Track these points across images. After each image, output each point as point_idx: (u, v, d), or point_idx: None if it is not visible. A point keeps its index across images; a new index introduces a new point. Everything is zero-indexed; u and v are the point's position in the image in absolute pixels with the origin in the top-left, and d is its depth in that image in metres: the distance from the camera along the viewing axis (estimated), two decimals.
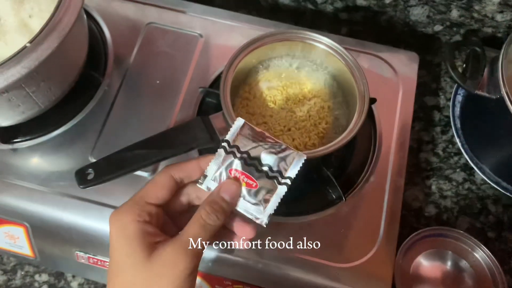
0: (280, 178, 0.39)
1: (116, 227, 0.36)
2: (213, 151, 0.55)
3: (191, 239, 0.35)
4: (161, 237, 0.36)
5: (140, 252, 0.34)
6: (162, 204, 0.38)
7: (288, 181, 0.39)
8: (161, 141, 0.45)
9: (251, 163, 0.38)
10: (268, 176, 0.39)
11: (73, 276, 0.62)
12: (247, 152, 0.39)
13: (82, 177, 0.43)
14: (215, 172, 0.39)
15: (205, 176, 0.39)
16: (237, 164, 0.39)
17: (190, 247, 0.34)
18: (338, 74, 0.53)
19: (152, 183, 0.38)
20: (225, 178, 0.38)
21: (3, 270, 0.63)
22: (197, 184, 0.39)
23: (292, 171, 0.39)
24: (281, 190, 0.39)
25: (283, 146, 0.40)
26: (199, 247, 0.35)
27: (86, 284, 0.62)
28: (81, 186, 0.43)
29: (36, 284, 0.62)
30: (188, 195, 0.40)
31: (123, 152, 0.44)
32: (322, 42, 0.51)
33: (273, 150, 0.39)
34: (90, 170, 0.43)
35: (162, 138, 0.46)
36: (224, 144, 0.40)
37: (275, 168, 0.39)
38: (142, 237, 0.35)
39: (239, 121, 0.41)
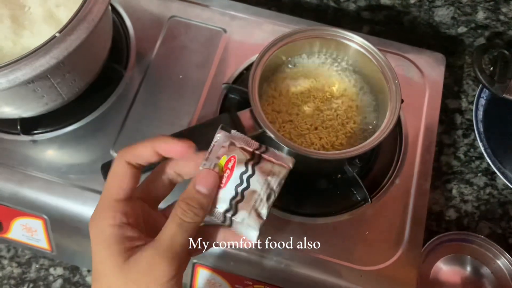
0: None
1: (93, 233, 0.34)
2: None
3: (167, 241, 0.32)
4: (141, 241, 0.33)
5: (117, 257, 0.32)
6: (131, 196, 0.35)
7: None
8: (189, 137, 0.44)
9: (241, 179, 0.33)
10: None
11: (88, 271, 0.62)
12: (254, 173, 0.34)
13: (107, 172, 0.42)
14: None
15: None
16: (241, 160, 0.34)
17: (167, 250, 0.32)
18: (368, 74, 0.52)
19: (110, 177, 0.35)
20: (223, 154, 0.34)
21: (18, 262, 0.62)
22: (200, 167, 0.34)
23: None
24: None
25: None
26: (178, 249, 0.32)
27: None
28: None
29: (51, 278, 0.62)
30: (167, 175, 0.36)
31: None
32: (354, 41, 0.50)
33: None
34: None
35: (190, 133, 0.45)
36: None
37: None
38: (120, 241, 0.33)
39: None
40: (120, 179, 0.35)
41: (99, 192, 0.52)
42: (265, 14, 0.65)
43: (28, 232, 0.56)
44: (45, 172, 0.54)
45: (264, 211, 0.34)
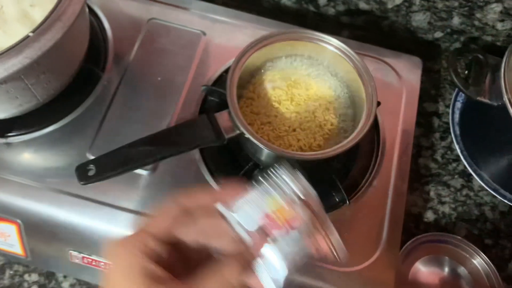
0: None
1: (118, 256, 0.30)
2: (217, 149, 0.55)
3: None
4: (170, 284, 0.29)
5: None
6: (170, 240, 0.31)
7: None
8: (166, 138, 0.44)
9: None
10: None
11: (65, 276, 0.60)
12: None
13: (82, 173, 0.42)
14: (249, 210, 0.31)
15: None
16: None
17: None
18: (345, 76, 0.52)
19: (156, 215, 0.32)
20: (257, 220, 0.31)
21: None
22: (219, 208, 0.31)
23: None
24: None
25: None
26: None
27: (78, 284, 0.60)
28: (81, 183, 0.42)
29: (26, 284, 0.60)
30: (200, 231, 0.33)
31: (126, 148, 0.43)
32: (331, 44, 0.51)
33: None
34: (91, 166, 0.42)
35: (167, 135, 0.45)
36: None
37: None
38: (146, 275, 0.29)
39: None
40: (163, 215, 0.32)
41: (76, 196, 0.52)
42: (245, 17, 0.66)
43: (1, 237, 0.55)
44: (19, 176, 0.52)
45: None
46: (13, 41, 0.42)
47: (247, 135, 0.45)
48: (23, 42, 0.40)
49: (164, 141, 0.44)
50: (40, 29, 0.41)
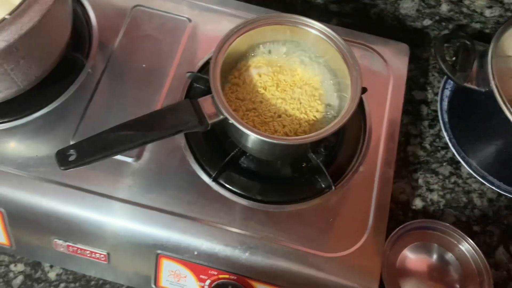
0: None
1: None
2: (203, 136, 0.54)
3: None
4: None
5: None
6: None
7: None
8: (148, 123, 0.44)
9: None
10: None
11: (51, 266, 0.60)
12: None
13: (63, 158, 0.41)
14: None
15: None
16: None
17: None
18: (330, 61, 0.52)
19: None
20: None
21: None
22: None
23: None
24: None
25: None
26: None
27: (64, 274, 0.60)
28: (61, 168, 0.41)
29: (11, 275, 0.59)
30: None
31: (107, 133, 0.42)
32: (315, 28, 0.50)
33: None
34: (72, 151, 0.41)
35: (149, 119, 0.44)
36: None
37: None
38: None
39: None
40: None
41: (60, 183, 0.51)
42: (232, 4, 0.65)
43: None
44: (1, 164, 0.52)
45: None
46: None
47: (231, 120, 0.45)
48: (0, 25, 0.40)
49: (145, 126, 0.43)
50: (17, 12, 0.40)
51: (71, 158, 0.41)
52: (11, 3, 0.45)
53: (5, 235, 0.54)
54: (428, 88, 0.75)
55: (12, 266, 0.60)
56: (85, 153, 0.41)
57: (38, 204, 0.51)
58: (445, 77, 0.71)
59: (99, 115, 0.55)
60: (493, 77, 0.57)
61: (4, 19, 0.40)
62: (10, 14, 0.40)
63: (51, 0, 0.42)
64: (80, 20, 0.59)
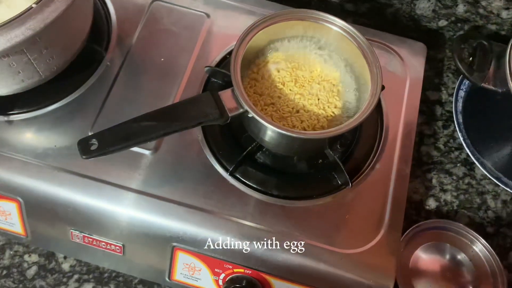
0: None
1: None
2: (220, 130, 0.54)
3: None
4: None
5: None
6: None
7: None
8: (170, 114, 0.44)
9: None
10: None
11: (65, 257, 0.60)
12: None
13: (85, 147, 0.42)
14: None
15: None
16: None
17: None
18: (350, 57, 0.52)
19: None
20: None
21: None
22: None
23: None
24: None
25: None
26: None
27: (78, 265, 0.60)
28: (83, 156, 0.41)
29: (26, 265, 0.60)
30: None
31: (129, 123, 0.43)
32: (336, 24, 0.51)
33: None
34: (94, 140, 0.42)
35: (171, 111, 0.44)
36: None
37: None
38: None
39: None
40: None
41: (77, 174, 0.51)
42: (249, 1, 0.65)
43: (2, 215, 0.54)
44: (21, 153, 0.52)
45: None
46: (15, 14, 0.41)
47: (251, 113, 0.45)
48: (26, 13, 0.40)
49: (167, 117, 0.44)
50: (44, 1, 0.41)
51: (93, 147, 0.42)
52: None
53: (22, 225, 0.55)
54: (443, 88, 0.74)
55: (26, 257, 0.60)
56: (107, 143, 0.42)
57: (55, 194, 0.51)
58: (460, 77, 0.71)
59: (117, 107, 0.55)
60: (511, 78, 0.57)
61: (31, 7, 0.40)
62: (36, 3, 0.40)
63: None
64: (99, 13, 0.60)
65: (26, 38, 0.40)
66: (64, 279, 0.59)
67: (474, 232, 0.62)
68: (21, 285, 0.59)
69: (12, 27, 0.40)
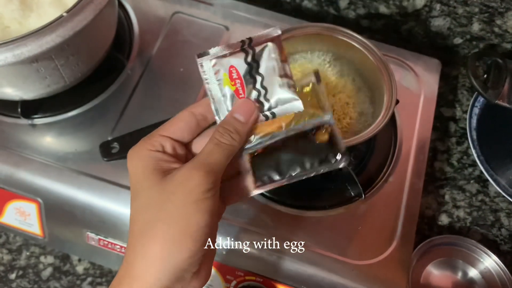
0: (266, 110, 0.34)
1: (131, 159, 0.35)
2: None
3: (204, 156, 0.33)
4: (178, 164, 0.34)
5: (155, 175, 0.33)
6: (180, 140, 0.36)
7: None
8: None
9: (253, 77, 0.34)
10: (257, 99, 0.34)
11: (79, 260, 0.61)
12: (258, 63, 0.34)
13: (106, 150, 0.43)
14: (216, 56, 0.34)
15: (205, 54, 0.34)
16: (240, 64, 0.34)
17: (203, 164, 0.33)
18: (366, 71, 0.53)
19: (170, 119, 0.37)
20: (222, 72, 0.34)
21: (9, 249, 0.62)
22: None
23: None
24: None
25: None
26: (213, 164, 0.33)
27: (91, 269, 0.61)
28: (104, 159, 0.43)
29: (41, 266, 0.61)
30: (195, 117, 0.37)
31: (151, 128, 0.44)
32: (353, 38, 0.52)
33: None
34: (115, 143, 0.43)
35: None
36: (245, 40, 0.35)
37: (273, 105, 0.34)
38: (156, 162, 0.34)
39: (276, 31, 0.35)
40: (176, 120, 0.36)
41: (96, 178, 0.53)
42: (267, 14, 0.67)
43: (21, 216, 0.56)
44: (42, 156, 0.54)
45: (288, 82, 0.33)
46: (45, 22, 0.43)
47: None
48: (57, 21, 0.42)
49: None
50: (74, 10, 0.43)
51: (114, 151, 0.43)
52: (64, 4, 0.48)
53: (40, 225, 0.56)
54: (457, 105, 0.75)
55: (42, 258, 0.61)
56: (128, 146, 0.43)
57: (74, 197, 0.53)
58: (475, 95, 0.71)
59: (137, 115, 0.57)
60: None
61: (61, 16, 0.42)
62: (67, 12, 0.42)
63: (104, 1, 0.44)
64: (122, 24, 0.62)
65: (56, 45, 0.42)
66: (78, 282, 0.60)
67: (486, 249, 0.61)
68: (36, 286, 0.60)
69: (44, 34, 0.42)
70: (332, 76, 0.55)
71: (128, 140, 0.44)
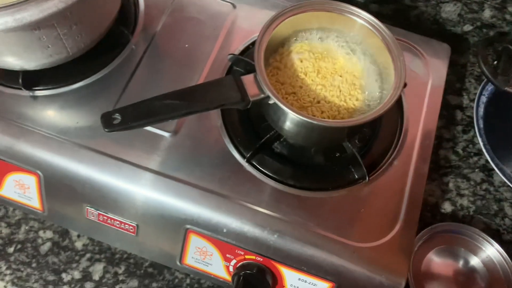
0: None
1: None
2: (239, 116, 0.55)
3: None
4: None
5: None
6: None
7: None
8: (192, 95, 0.44)
9: None
10: None
11: (78, 236, 0.61)
12: None
13: (107, 121, 0.42)
14: None
15: None
16: None
17: None
18: (374, 51, 0.52)
19: None
20: None
21: (7, 223, 0.61)
22: None
23: None
24: None
25: None
26: None
27: (90, 245, 0.61)
28: (106, 130, 0.42)
29: (40, 240, 0.61)
30: None
31: (153, 100, 0.43)
32: (361, 17, 0.51)
33: None
34: (117, 114, 0.42)
35: (193, 91, 0.45)
36: None
37: None
38: None
39: None
40: None
41: (97, 152, 0.52)
42: None
43: (21, 189, 0.55)
44: (43, 128, 0.53)
45: None
46: None
47: (273, 99, 0.45)
48: None
49: (189, 97, 0.44)
50: None
51: (116, 122, 0.42)
52: None
53: (39, 199, 0.56)
54: (464, 93, 0.74)
55: (41, 233, 0.61)
56: (130, 118, 0.42)
57: (75, 170, 0.52)
58: (483, 83, 0.70)
59: (140, 90, 0.56)
60: None
61: None
62: None
63: None
64: None
65: (58, 11, 0.41)
66: (76, 257, 0.60)
67: (488, 237, 0.61)
68: (34, 260, 0.59)
69: None
70: (339, 56, 0.54)
71: (130, 112, 0.43)
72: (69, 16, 0.44)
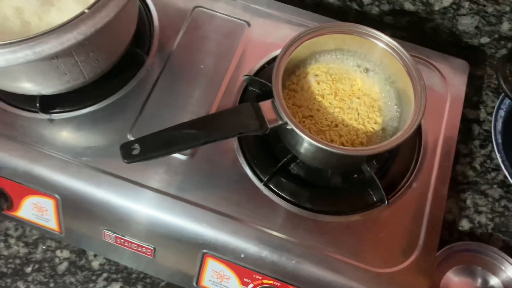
0: None
1: None
2: (255, 139, 0.54)
3: None
4: None
5: None
6: None
7: None
8: (211, 123, 0.44)
9: None
10: None
11: (95, 255, 0.61)
12: None
13: (127, 152, 0.42)
14: None
15: None
16: None
17: None
18: (393, 73, 0.51)
19: None
20: None
21: (25, 242, 0.62)
22: None
23: None
24: None
25: None
26: None
27: (107, 264, 0.61)
28: (125, 161, 0.42)
29: (57, 260, 0.61)
30: None
31: (171, 130, 0.43)
32: (381, 40, 0.50)
33: None
34: (136, 145, 0.42)
35: (212, 120, 0.44)
36: None
37: None
38: None
39: None
40: None
41: (114, 175, 0.52)
42: (289, 10, 0.65)
43: (39, 211, 0.56)
44: (60, 152, 0.53)
45: None
46: (66, 17, 0.42)
47: (291, 126, 0.45)
48: (78, 18, 0.41)
49: (208, 126, 0.44)
50: (95, 7, 0.42)
51: (135, 152, 0.42)
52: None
53: (57, 221, 0.56)
54: (481, 107, 0.73)
55: (58, 252, 0.61)
56: (149, 148, 0.42)
57: (92, 194, 0.52)
58: (501, 96, 0.69)
59: (156, 111, 0.56)
60: None
61: (83, 13, 0.41)
62: (89, 8, 0.41)
63: None
64: (143, 18, 0.61)
65: (77, 42, 0.41)
66: (93, 277, 0.60)
67: (507, 257, 0.60)
68: (51, 280, 0.60)
69: (65, 31, 0.41)
70: (357, 78, 0.53)
71: (149, 142, 0.43)
72: (87, 44, 0.44)
